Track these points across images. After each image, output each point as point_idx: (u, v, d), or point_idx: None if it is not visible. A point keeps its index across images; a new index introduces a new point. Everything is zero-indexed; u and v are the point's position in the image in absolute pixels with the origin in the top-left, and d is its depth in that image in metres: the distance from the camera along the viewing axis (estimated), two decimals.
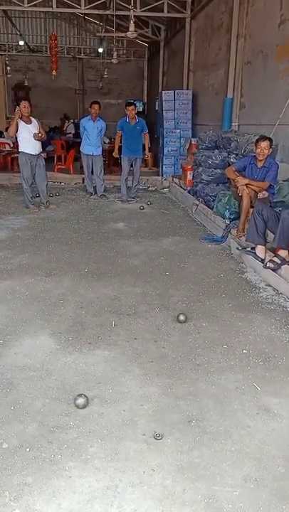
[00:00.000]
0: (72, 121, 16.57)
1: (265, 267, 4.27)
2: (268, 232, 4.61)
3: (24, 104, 6.82)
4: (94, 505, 1.82)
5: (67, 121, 16.61)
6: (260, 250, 4.52)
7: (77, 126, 15.82)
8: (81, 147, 8.50)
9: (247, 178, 5.02)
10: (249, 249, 4.70)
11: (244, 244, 4.96)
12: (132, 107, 7.86)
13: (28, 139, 6.86)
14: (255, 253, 4.56)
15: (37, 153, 7.04)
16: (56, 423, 2.29)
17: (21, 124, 6.82)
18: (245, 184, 4.97)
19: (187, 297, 3.91)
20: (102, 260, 4.85)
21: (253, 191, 4.99)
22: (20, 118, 6.81)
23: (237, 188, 5.09)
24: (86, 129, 8.23)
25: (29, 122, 6.88)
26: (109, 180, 9.35)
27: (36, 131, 6.88)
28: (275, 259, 4.22)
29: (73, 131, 15.72)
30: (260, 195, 4.93)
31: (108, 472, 1.98)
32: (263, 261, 4.42)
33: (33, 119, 6.97)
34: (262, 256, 4.48)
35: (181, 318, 3.39)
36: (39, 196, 7.38)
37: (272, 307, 3.76)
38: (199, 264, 4.83)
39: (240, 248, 4.89)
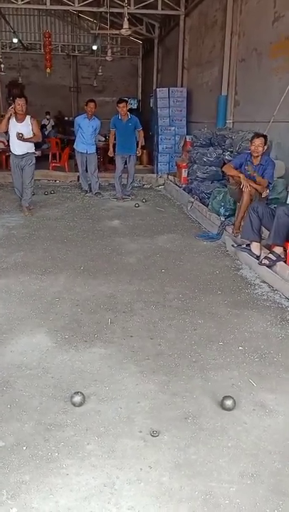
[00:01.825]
0: (48, 118, 16.47)
1: (261, 263, 4.29)
2: (263, 229, 4.62)
3: (19, 101, 6.38)
4: (91, 502, 1.82)
5: (47, 117, 16.50)
6: (255, 247, 4.53)
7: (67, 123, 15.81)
8: (75, 145, 8.48)
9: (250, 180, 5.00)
10: (244, 246, 4.71)
11: (239, 241, 4.97)
12: (123, 104, 7.79)
13: (14, 138, 6.48)
14: (250, 250, 4.57)
15: (21, 153, 6.56)
16: (53, 421, 2.29)
17: (12, 122, 6.44)
18: (249, 184, 4.94)
19: (183, 294, 3.92)
20: (98, 258, 4.85)
21: (254, 189, 5.00)
22: (16, 115, 6.41)
23: (238, 184, 5.07)
24: (81, 127, 8.19)
25: (21, 121, 6.45)
26: (104, 178, 9.33)
27: (23, 132, 6.38)
28: (271, 255, 4.24)
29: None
30: (264, 194, 4.94)
31: (105, 469, 1.99)
32: (258, 258, 4.44)
33: (28, 118, 6.52)
34: (257, 253, 4.50)
35: (228, 404, 2.38)
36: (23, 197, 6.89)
37: (268, 304, 3.78)
38: (195, 261, 4.84)
39: (235, 245, 4.90)
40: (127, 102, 8.09)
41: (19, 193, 6.92)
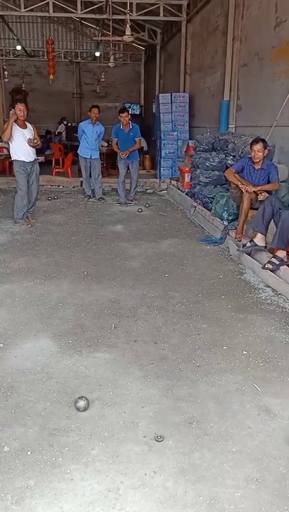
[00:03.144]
0: (65, 123, 16.75)
1: (264, 267, 4.28)
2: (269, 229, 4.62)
3: (20, 106, 6.16)
4: (96, 507, 1.82)
5: (64, 123, 16.73)
6: (260, 239, 4.52)
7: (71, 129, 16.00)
8: (79, 150, 8.51)
9: (256, 185, 5.01)
10: (248, 245, 4.69)
11: (246, 241, 4.97)
12: (125, 113, 7.77)
13: (22, 145, 6.24)
14: (255, 244, 4.54)
15: (32, 160, 6.41)
16: (57, 426, 2.29)
17: (16, 128, 6.19)
18: (258, 190, 4.95)
19: (186, 299, 3.91)
20: (101, 263, 4.86)
21: (254, 193, 5.01)
22: (16, 121, 6.19)
23: (237, 188, 5.10)
24: (85, 133, 8.25)
25: (24, 127, 6.28)
26: (107, 183, 9.37)
27: (31, 137, 6.26)
28: (274, 260, 4.23)
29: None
30: (260, 197, 4.95)
31: (110, 474, 1.98)
32: (265, 247, 4.42)
33: (28, 124, 6.36)
34: (262, 244, 4.47)
35: None
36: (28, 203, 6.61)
37: (272, 308, 3.77)
38: (198, 265, 4.84)
39: (239, 249, 4.87)
40: (128, 111, 8.08)
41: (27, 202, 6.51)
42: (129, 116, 7.98)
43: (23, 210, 6.48)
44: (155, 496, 1.88)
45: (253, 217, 4.77)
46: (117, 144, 8.01)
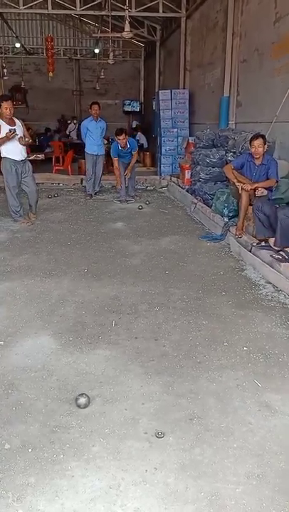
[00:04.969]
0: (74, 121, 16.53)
1: (272, 256, 4.26)
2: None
3: (6, 105, 5.88)
4: (97, 504, 1.82)
5: (74, 122, 16.38)
6: (272, 242, 4.52)
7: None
8: (87, 148, 8.51)
9: (253, 183, 4.99)
10: (263, 244, 4.67)
11: (244, 242, 4.95)
12: (122, 135, 7.71)
13: (13, 143, 6.04)
14: (269, 245, 4.54)
15: (23, 158, 6.22)
16: (58, 423, 2.29)
17: (4, 126, 5.96)
18: (254, 188, 4.94)
19: (187, 295, 3.91)
20: (102, 260, 4.85)
21: (252, 189, 4.99)
22: (3, 119, 5.96)
23: (235, 186, 5.11)
24: (89, 130, 8.31)
25: (12, 124, 6.04)
26: (107, 181, 9.37)
27: (21, 135, 6.07)
28: (283, 253, 4.23)
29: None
30: (258, 193, 4.93)
31: (111, 471, 1.99)
32: (278, 252, 4.43)
33: (16, 120, 6.14)
34: (277, 247, 4.48)
35: None
36: (30, 207, 6.63)
37: (272, 304, 3.77)
38: (199, 262, 4.83)
39: (254, 245, 4.79)
40: (126, 132, 7.98)
41: (18, 201, 6.41)
42: (126, 136, 7.89)
43: (18, 209, 6.45)
44: (156, 492, 1.88)
45: (255, 228, 4.78)
46: (118, 160, 7.97)
